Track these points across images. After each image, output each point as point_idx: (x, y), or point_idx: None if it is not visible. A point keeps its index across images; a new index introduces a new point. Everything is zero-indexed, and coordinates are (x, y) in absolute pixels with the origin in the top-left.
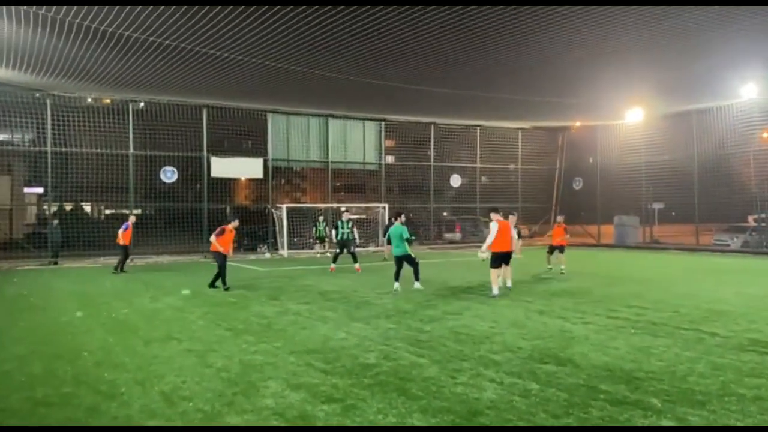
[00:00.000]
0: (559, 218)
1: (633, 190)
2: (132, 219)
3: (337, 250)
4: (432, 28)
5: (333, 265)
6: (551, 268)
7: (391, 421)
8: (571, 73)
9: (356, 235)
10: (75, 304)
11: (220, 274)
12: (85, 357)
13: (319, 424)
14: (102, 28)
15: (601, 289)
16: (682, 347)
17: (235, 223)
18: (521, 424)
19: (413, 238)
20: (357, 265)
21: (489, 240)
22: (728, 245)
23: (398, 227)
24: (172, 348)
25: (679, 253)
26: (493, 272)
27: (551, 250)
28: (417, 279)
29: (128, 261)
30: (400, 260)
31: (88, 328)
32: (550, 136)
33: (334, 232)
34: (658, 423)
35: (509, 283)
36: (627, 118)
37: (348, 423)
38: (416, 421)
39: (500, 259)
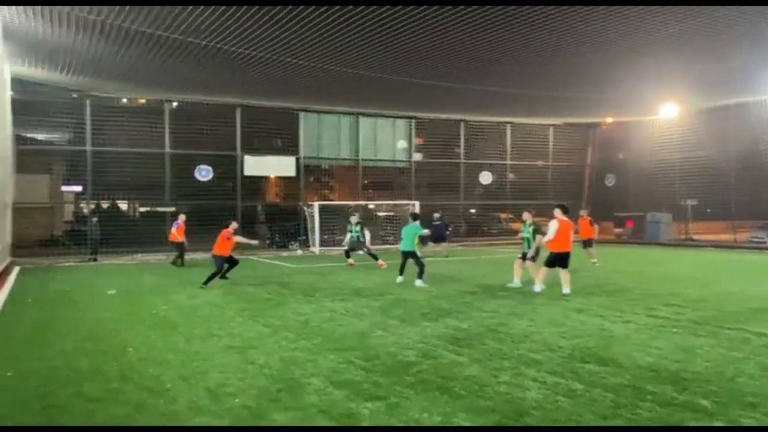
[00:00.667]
0: (583, 212)
1: (666, 187)
2: (182, 217)
3: (347, 248)
4: (465, 25)
5: (350, 260)
6: (595, 262)
7: (436, 420)
8: (605, 69)
9: (367, 237)
10: (116, 299)
11: (215, 274)
12: (130, 353)
13: (365, 422)
14: (140, 29)
15: (638, 287)
16: (727, 347)
17: (234, 225)
18: (569, 424)
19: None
20: (380, 262)
21: (547, 237)
22: (765, 242)
23: (413, 227)
24: (213, 344)
25: (714, 251)
26: (543, 270)
27: (584, 245)
28: (420, 277)
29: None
30: (407, 256)
31: (131, 325)
32: (582, 133)
33: (348, 235)
34: (710, 425)
35: (566, 290)
36: (661, 113)
37: (394, 421)
38: (461, 420)
39: (555, 259)
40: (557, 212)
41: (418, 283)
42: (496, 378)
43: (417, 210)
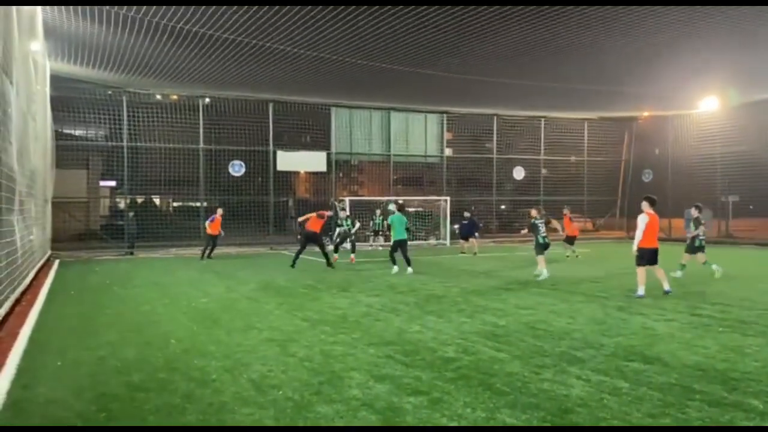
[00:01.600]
0: (566, 210)
1: (706, 183)
2: (219, 211)
3: (338, 240)
4: (501, 20)
5: (352, 256)
6: (569, 256)
7: (480, 415)
8: (643, 62)
9: (354, 228)
10: (155, 292)
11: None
12: (174, 344)
13: (408, 417)
14: (177, 26)
15: (679, 286)
16: None
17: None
18: (616, 423)
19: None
20: (353, 256)
21: (637, 235)
22: None
23: (400, 216)
24: (254, 337)
25: (756, 249)
26: (640, 271)
27: (567, 241)
28: (408, 265)
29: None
30: (397, 245)
31: (172, 317)
32: (618, 127)
33: (337, 229)
34: (762, 425)
35: (666, 287)
36: (701, 107)
37: (437, 416)
38: (506, 416)
39: (647, 255)
40: (645, 205)
41: (410, 270)
42: (539, 375)
43: (449, 207)
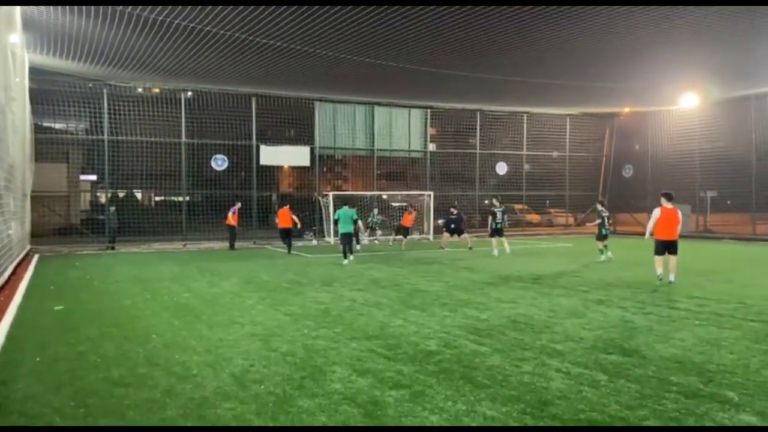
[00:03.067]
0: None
1: (685, 178)
2: (238, 204)
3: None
4: (483, 15)
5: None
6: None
7: (461, 408)
8: (625, 58)
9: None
10: (137, 287)
11: None
12: (154, 339)
13: (390, 411)
14: (159, 18)
15: (658, 280)
16: (752, 340)
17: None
18: (594, 414)
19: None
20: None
21: (649, 225)
22: None
23: (347, 211)
24: (236, 332)
25: (733, 243)
26: (656, 259)
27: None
28: (351, 253)
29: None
30: (347, 238)
31: (153, 312)
32: (599, 123)
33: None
34: (737, 417)
35: (672, 278)
36: (681, 103)
37: (419, 409)
38: (486, 409)
39: (659, 246)
40: (662, 200)
41: (350, 258)
42: (519, 368)
43: (432, 201)
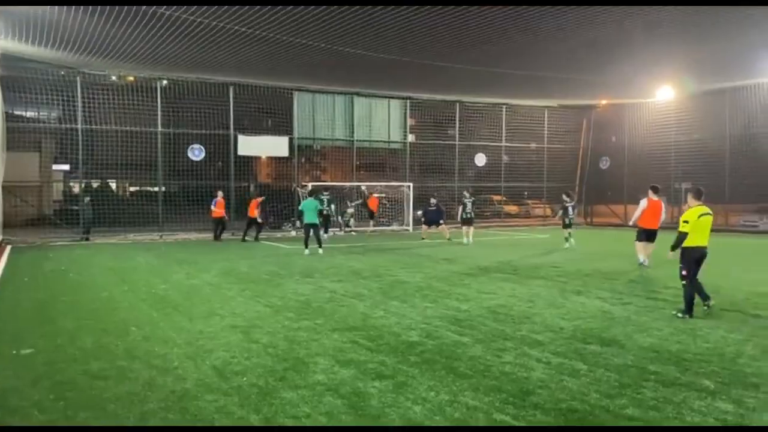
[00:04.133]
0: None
1: (661, 170)
2: (220, 194)
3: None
4: (462, 7)
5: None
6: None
7: (443, 398)
8: (602, 51)
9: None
10: (113, 279)
11: None
12: (134, 332)
13: (373, 401)
14: (133, 6)
15: (635, 270)
16: (727, 329)
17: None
18: (575, 404)
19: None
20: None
21: (635, 214)
22: (757, 226)
23: (312, 201)
24: (216, 324)
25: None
26: (636, 244)
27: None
28: (320, 245)
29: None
30: (309, 228)
31: (131, 304)
32: (576, 115)
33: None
34: (713, 404)
35: (646, 261)
36: (657, 96)
37: (402, 400)
38: (468, 399)
39: (643, 234)
40: (650, 192)
41: (320, 251)
42: (500, 358)
43: (411, 192)
